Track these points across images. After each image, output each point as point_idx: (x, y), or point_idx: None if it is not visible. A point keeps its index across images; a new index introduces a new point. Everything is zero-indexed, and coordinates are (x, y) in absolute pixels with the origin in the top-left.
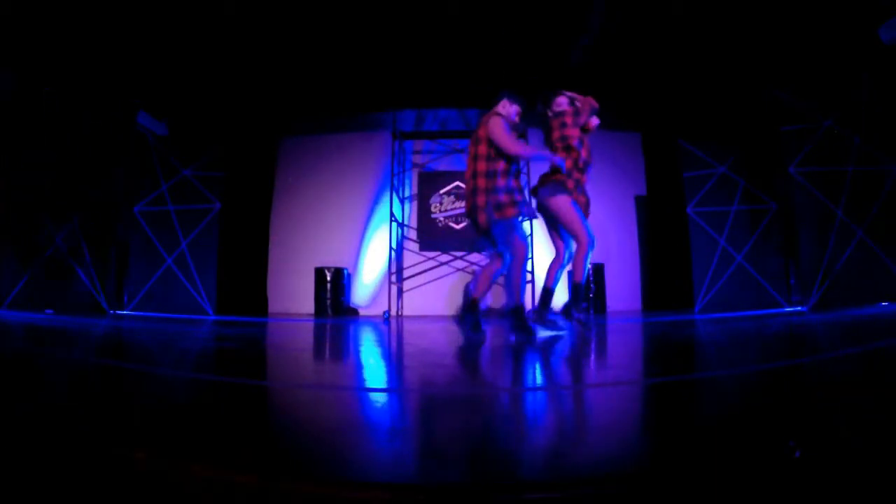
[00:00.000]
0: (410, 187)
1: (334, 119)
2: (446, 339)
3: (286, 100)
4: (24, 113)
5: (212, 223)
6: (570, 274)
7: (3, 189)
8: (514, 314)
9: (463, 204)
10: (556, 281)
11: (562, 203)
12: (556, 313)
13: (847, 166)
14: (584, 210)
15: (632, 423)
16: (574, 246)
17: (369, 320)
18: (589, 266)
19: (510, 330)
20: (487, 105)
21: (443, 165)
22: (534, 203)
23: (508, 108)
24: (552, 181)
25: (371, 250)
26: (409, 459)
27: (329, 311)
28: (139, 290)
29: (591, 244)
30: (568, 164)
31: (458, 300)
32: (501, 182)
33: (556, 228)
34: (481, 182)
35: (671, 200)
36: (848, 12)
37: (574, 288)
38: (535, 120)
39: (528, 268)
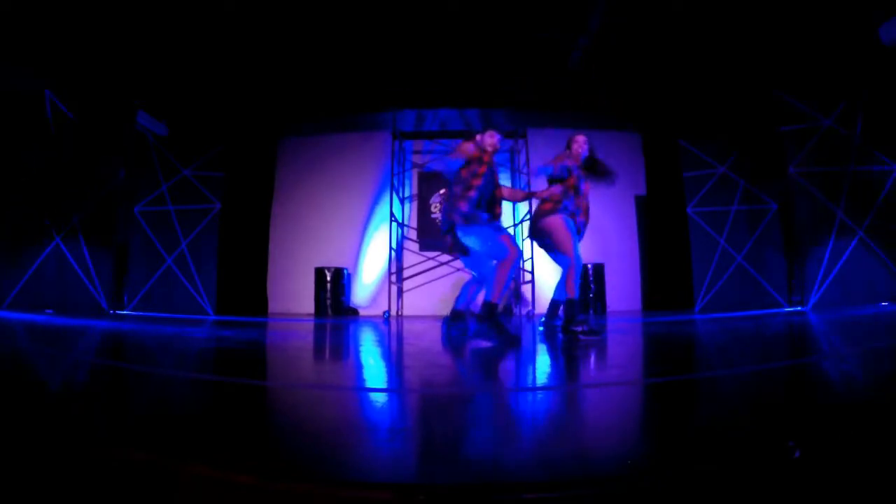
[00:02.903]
0: (410, 187)
1: (334, 119)
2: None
3: (286, 100)
4: (24, 113)
5: (212, 223)
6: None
7: (3, 189)
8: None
9: None
10: (572, 293)
11: (551, 222)
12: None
13: (847, 166)
14: (580, 229)
15: (632, 423)
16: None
17: (369, 320)
18: (579, 282)
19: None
20: (487, 105)
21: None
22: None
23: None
24: (542, 210)
25: (371, 250)
26: (409, 459)
27: (329, 311)
28: (139, 290)
29: (578, 264)
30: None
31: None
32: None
33: (552, 251)
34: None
35: (671, 200)
36: (848, 12)
37: (567, 303)
38: (533, 120)
39: (529, 268)
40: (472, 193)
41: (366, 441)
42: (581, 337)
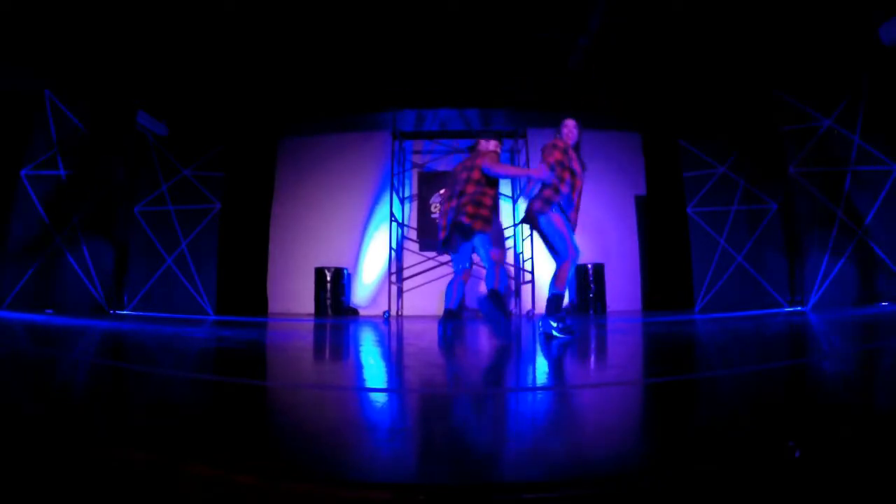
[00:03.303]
0: (410, 187)
1: (334, 119)
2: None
3: (286, 100)
4: (23, 113)
5: (212, 223)
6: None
7: (3, 189)
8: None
9: None
10: (561, 288)
11: (543, 221)
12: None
13: (847, 166)
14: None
15: (632, 423)
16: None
17: (369, 320)
18: (570, 277)
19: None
20: (487, 105)
21: (443, 165)
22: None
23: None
24: (532, 208)
25: (371, 250)
26: (409, 459)
27: (329, 311)
28: (139, 290)
29: (574, 259)
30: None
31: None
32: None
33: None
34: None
35: (671, 200)
36: (848, 12)
37: (554, 298)
38: (533, 120)
39: (529, 268)
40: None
41: (366, 441)
42: (555, 333)
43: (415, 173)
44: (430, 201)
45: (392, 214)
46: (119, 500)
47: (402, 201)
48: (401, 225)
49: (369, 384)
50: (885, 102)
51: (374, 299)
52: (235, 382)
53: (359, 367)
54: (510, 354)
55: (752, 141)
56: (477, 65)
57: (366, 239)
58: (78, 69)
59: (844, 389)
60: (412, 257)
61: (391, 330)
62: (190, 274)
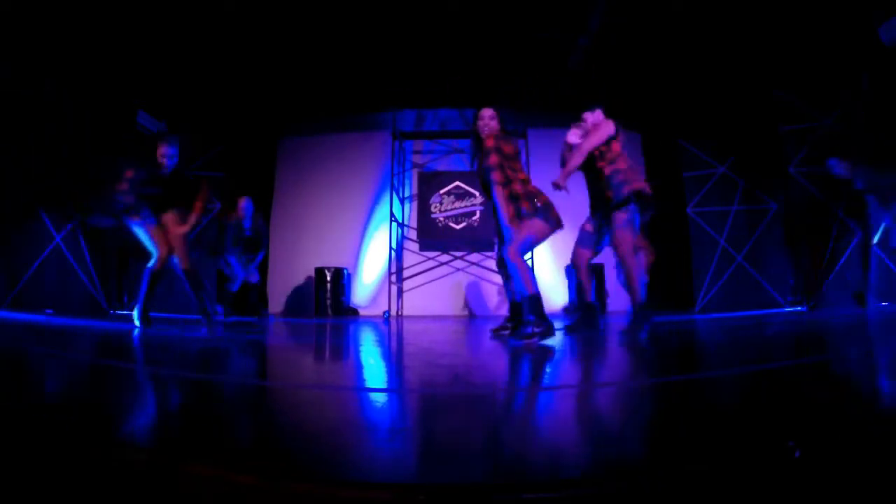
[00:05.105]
0: (410, 187)
1: (334, 119)
2: (446, 339)
3: (286, 100)
4: (23, 113)
5: (212, 223)
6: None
7: (2, 189)
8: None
9: (463, 204)
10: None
11: None
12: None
13: None
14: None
15: (631, 422)
16: None
17: (369, 320)
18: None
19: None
20: (486, 105)
21: (443, 165)
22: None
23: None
24: None
25: (371, 250)
26: (409, 459)
27: (329, 311)
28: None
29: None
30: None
31: (458, 300)
32: None
33: None
34: None
35: (671, 200)
36: (848, 12)
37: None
38: (533, 120)
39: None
40: None
41: (366, 441)
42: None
43: (415, 173)
44: (430, 201)
45: (392, 214)
46: (119, 500)
47: (402, 201)
48: (401, 225)
49: (369, 384)
50: (885, 102)
51: (374, 299)
52: (235, 382)
53: (359, 367)
54: (508, 354)
55: (752, 141)
56: (477, 65)
57: (366, 239)
58: (78, 69)
59: (844, 389)
60: (412, 257)
61: (391, 330)
62: None
